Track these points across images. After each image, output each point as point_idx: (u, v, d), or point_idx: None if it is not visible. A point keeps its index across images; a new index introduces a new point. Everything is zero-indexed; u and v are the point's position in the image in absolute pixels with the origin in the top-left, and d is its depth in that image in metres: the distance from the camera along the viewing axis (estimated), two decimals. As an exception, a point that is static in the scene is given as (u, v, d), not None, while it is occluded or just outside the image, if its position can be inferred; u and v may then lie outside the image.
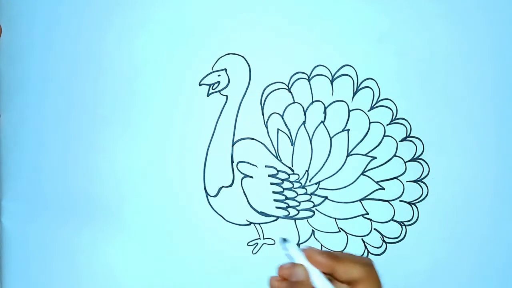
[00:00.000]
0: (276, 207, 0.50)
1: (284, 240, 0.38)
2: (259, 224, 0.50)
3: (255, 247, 0.50)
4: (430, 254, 0.50)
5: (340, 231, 0.51)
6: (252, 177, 0.50)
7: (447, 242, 0.50)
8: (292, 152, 0.50)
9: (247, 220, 0.50)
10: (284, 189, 0.50)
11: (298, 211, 0.50)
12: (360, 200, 0.51)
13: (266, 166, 0.50)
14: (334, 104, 0.51)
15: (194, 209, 0.50)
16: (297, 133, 0.51)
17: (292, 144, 0.51)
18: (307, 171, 0.50)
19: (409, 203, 0.51)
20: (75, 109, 0.51)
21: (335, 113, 0.51)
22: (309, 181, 0.50)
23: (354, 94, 0.51)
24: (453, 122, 0.50)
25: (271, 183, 0.50)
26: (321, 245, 0.51)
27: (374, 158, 0.51)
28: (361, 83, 0.50)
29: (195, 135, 0.50)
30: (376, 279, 0.37)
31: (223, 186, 0.50)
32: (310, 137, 0.50)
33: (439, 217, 0.50)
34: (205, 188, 0.50)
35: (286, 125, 0.51)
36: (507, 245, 0.50)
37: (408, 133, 0.51)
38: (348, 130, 0.51)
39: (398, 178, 0.51)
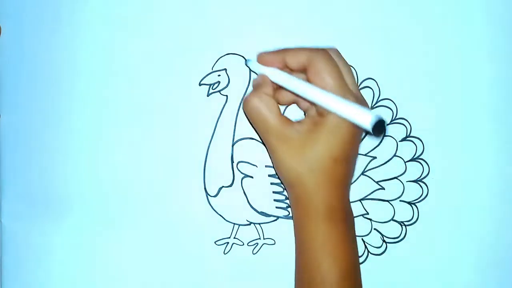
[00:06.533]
0: (276, 207, 0.50)
1: (246, 60, 0.44)
2: (259, 224, 0.50)
3: (255, 247, 0.50)
4: (430, 254, 0.50)
5: (340, 231, 0.51)
6: (252, 177, 0.50)
7: (447, 242, 0.50)
8: (292, 152, 0.50)
9: (247, 220, 0.50)
10: (284, 189, 0.50)
11: (298, 211, 0.50)
12: (360, 200, 0.51)
13: (266, 166, 0.50)
14: (334, 104, 0.51)
15: (194, 209, 0.50)
16: (297, 133, 0.50)
17: (292, 144, 0.50)
18: (307, 171, 0.50)
19: (409, 203, 0.51)
20: (77, 109, 0.51)
21: (335, 113, 0.50)
22: (309, 181, 0.50)
23: (354, 94, 0.50)
24: (453, 122, 0.50)
25: (271, 183, 0.50)
26: (321, 245, 0.51)
27: (374, 158, 0.51)
28: (361, 83, 0.50)
29: (195, 135, 0.50)
30: (326, 59, 0.37)
31: (223, 186, 0.50)
32: (310, 137, 0.50)
33: (439, 217, 0.50)
34: (205, 188, 0.50)
35: (286, 125, 0.50)
36: (508, 245, 0.50)
37: (408, 133, 0.51)
38: (348, 130, 0.51)
39: (398, 178, 0.51)
